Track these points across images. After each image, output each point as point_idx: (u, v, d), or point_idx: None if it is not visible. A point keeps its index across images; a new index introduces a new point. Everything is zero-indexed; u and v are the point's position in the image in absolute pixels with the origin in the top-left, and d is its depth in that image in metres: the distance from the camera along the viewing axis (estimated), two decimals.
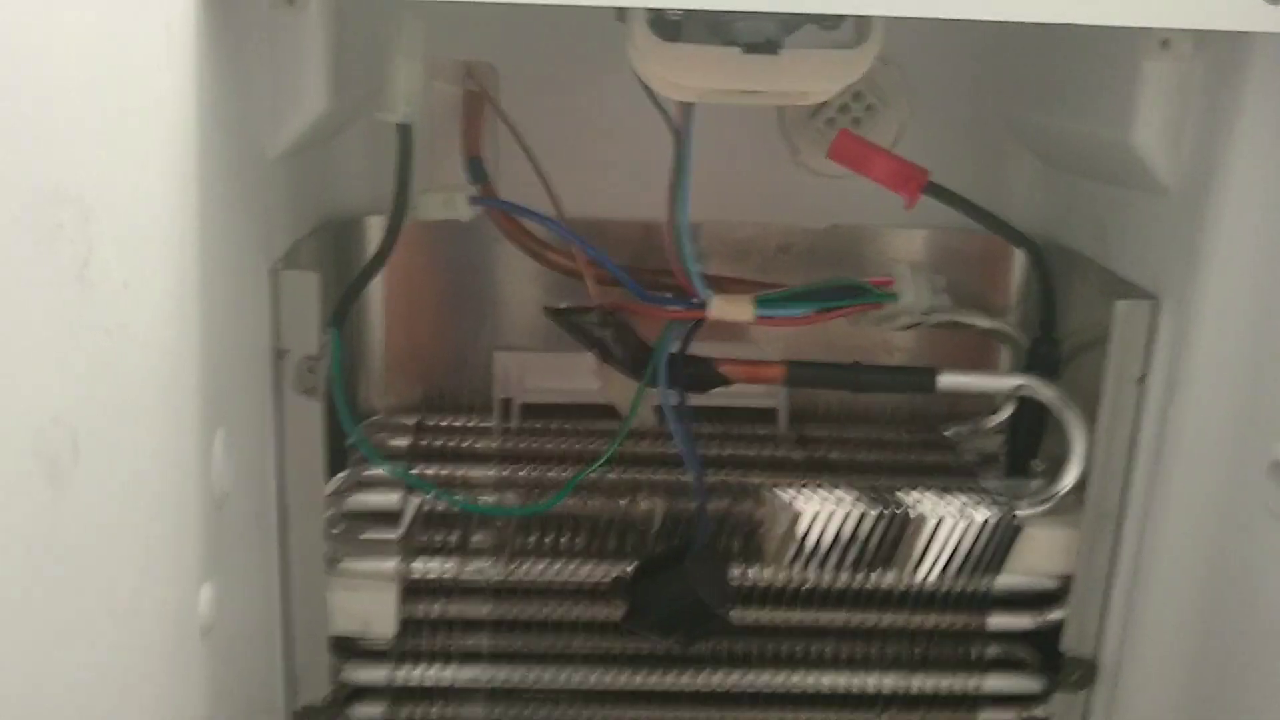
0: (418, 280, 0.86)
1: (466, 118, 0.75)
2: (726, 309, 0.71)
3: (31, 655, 0.38)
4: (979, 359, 0.89)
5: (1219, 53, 0.64)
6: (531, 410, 0.85)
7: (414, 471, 0.76)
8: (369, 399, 0.87)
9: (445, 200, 0.69)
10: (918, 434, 0.85)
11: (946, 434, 0.85)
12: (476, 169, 0.74)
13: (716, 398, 0.79)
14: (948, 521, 0.73)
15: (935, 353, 0.88)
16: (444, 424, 0.83)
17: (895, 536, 0.73)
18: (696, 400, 0.75)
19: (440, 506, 0.72)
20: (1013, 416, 0.81)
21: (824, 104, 0.83)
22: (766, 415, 0.86)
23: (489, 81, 0.76)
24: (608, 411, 0.80)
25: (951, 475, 0.79)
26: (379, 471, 0.75)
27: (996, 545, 0.73)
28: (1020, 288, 0.87)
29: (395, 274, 0.85)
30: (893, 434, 0.85)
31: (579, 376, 0.81)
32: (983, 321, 0.81)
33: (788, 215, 0.86)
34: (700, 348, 0.73)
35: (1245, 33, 0.60)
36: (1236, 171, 0.63)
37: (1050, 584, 0.76)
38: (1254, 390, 0.64)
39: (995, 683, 0.77)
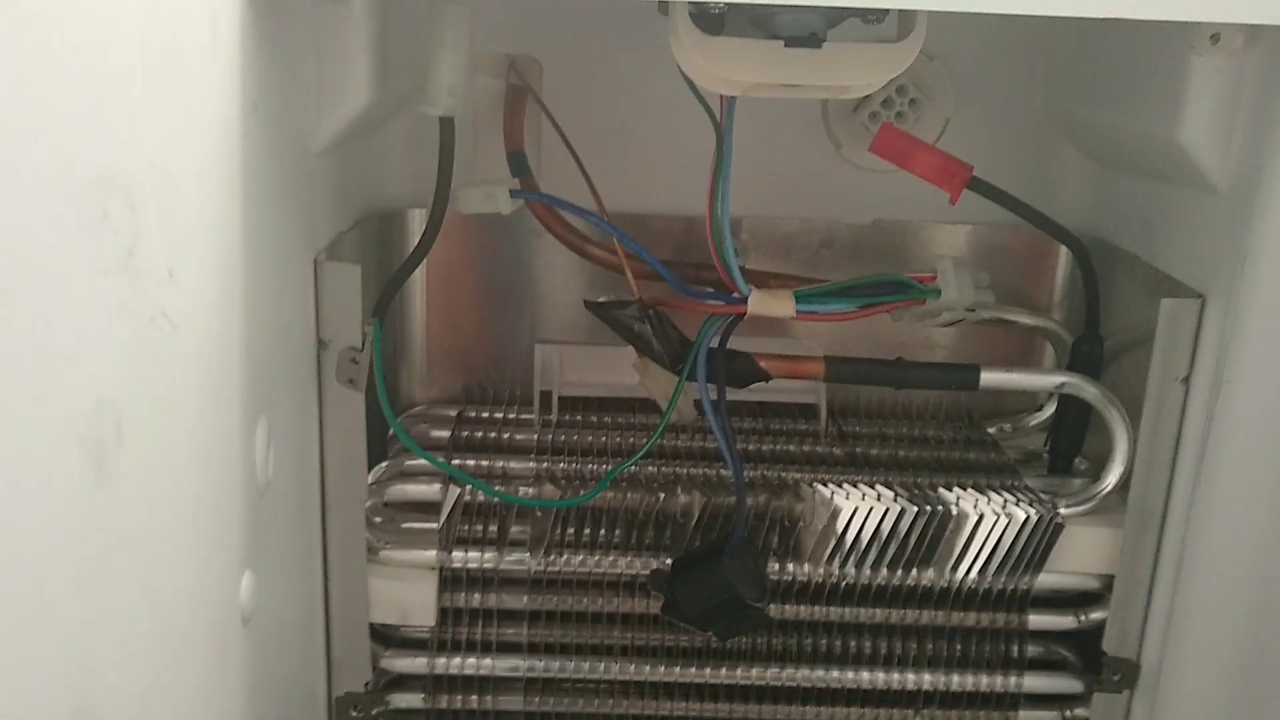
0: (459, 273, 0.86)
1: (509, 111, 0.75)
2: (766, 304, 0.71)
3: (76, 639, 0.38)
4: (1022, 356, 0.88)
5: (1271, 48, 0.63)
6: (571, 403, 0.85)
7: (454, 463, 0.76)
8: (411, 390, 0.88)
9: (485, 194, 0.69)
10: (960, 431, 0.84)
11: (989, 431, 0.85)
12: (519, 163, 0.74)
13: (757, 393, 0.79)
14: (988, 519, 0.72)
15: (978, 349, 0.87)
16: (484, 415, 0.84)
17: (936, 534, 0.72)
18: (737, 395, 0.74)
19: (479, 497, 0.73)
20: (1056, 414, 0.80)
21: (867, 98, 0.82)
22: (807, 411, 0.85)
23: (533, 75, 0.76)
24: (647, 405, 0.81)
25: (993, 473, 0.78)
26: (420, 462, 0.75)
27: (1038, 544, 0.73)
28: (1065, 285, 0.87)
29: (437, 266, 0.85)
30: (934, 431, 0.84)
31: (619, 370, 0.81)
32: (1026, 318, 0.80)
33: (831, 210, 0.86)
34: (745, 343, 0.73)
35: None
36: None
37: (1092, 584, 0.75)
38: None
39: (1035, 682, 0.77)
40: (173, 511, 0.47)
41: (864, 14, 0.62)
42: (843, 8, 0.60)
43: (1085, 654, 0.77)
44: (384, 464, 0.76)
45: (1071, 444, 0.79)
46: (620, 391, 0.83)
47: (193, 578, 0.49)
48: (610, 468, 0.76)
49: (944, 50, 0.83)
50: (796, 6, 0.60)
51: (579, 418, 0.84)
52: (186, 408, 0.48)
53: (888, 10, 0.62)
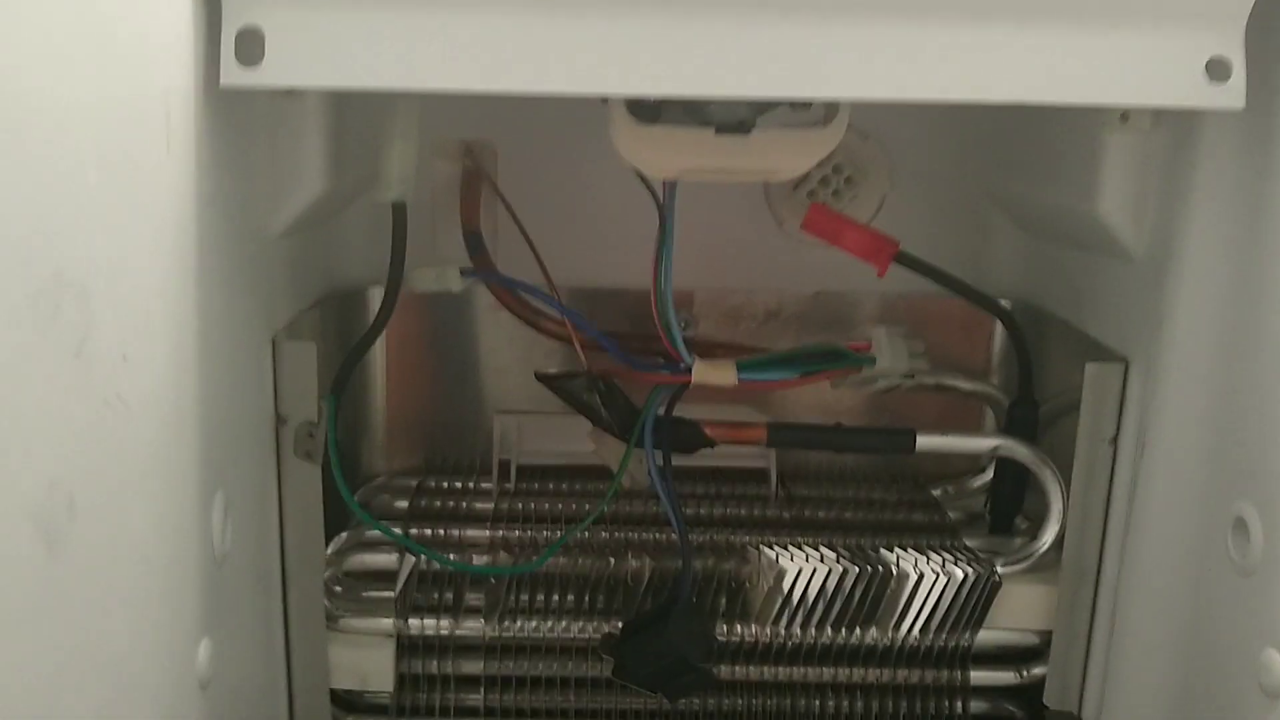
0: (418, 348, 0.89)
1: (465, 194, 0.79)
2: (709, 373, 0.74)
3: (30, 703, 0.41)
4: (967, 421, 0.91)
5: (1175, 126, 0.67)
6: (529, 471, 0.88)
7: (411, 532, 0.78)
8: (373, 462, 0.90)
9: (438, 274, 0.73)
10: (904, 493, 0.87)
11: (933, 493, 0.88)
12: (474, 243, 0.77)
13: (708, 459, 0.82)
14: (928, 578, 0.75)
15: (924, 415, 0.90)
16: (443, 485, 0.86)
17: (877, 593, 0.75)
18: (691, 461, 0.78)
19: (435, 566, 0.75)
20: (994, 476, 0.83)
21: (806, 177, 0.86)
22: (758, 475, 0.88)
23: (487, 159, 0.80)
24: (603, 473, 0.83)
25: (934, 534, 0.81)
26: (378, 532, 0.78)
27: (977, 602, 0.75)
28: (1001, 351, 0.90)
29: (397, 342, 0.88)
30: (879, 493, 0.87)
31: (576, 439, 0.84)
32: (964, 384, 0.84)
33: (775, 282, 0.89)
34: (700, 411, 0.76)
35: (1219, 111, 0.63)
36: (1195, 238, 0.65)
37: (1032, 639, 0.78)
38: (1217, 449, 0.65)
39: None
40: (127, 583, 0.49)
41: (790, 102, 0.65)
42: (768, 98, 0.64)
43: (1028, 709, 0.79)
44: (344, 534, 0.78)
45: (1010, 505, 0.82)
46: (577, 460, 0.86)
47: (149, 645, 0.52)
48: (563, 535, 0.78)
49: (878, 129, 0.87)
50: (725, 97, 0.64)
51: (536, 486, 0.86)
52: (142, 484, 0.50)
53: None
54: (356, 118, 0.71)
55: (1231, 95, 0.58)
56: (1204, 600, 0.66)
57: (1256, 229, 0.62)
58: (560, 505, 0.84)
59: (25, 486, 0.40)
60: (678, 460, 0.75)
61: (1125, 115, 0.68)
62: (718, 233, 0.88)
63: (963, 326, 0.89)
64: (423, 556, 0.75)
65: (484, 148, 0.80)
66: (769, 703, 0.78)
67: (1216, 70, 0.58)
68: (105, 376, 0.46)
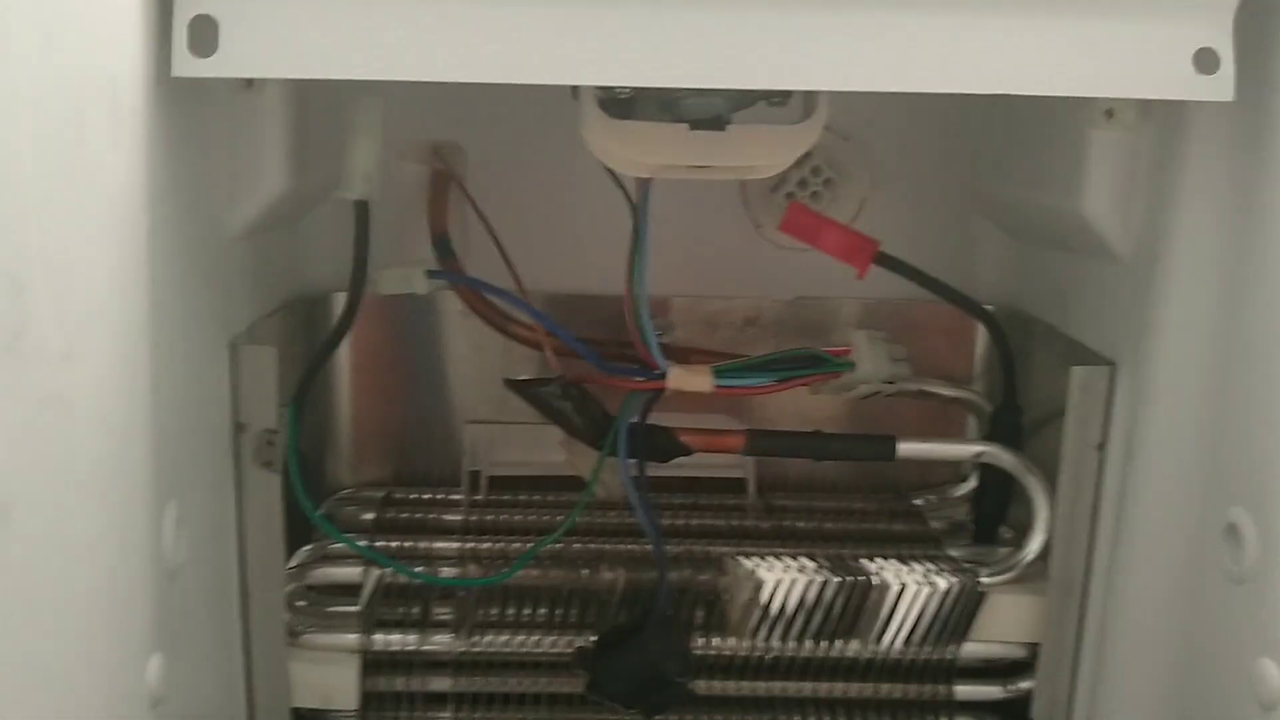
0: (385, 355, 0.87)
1: (433, 196, 0.76)
2: (685, 379, 0.71)
3: None
4: (950, 429, 0.89)
5: (1163, 122, 0.65)
6: (500, 483, 0.85)
7: (377, 544, 0.76)
8: (338, 473, 0.88)
9: (403, 276, 0.70)
10: (885, 503, 0.85)
11: (915, 503, 0.86)
12: (443, 246, 0.75)
13: (686, 469, 0.80)
14: (910, 589, 0.72)
15: (905, 423, 0.88)
16: (411, 497, 0.84)
17: (857, 604, 0.73)
18: (667, 471, 0.75)
19: (402, 579, 0.73)
20: (978, 485, 0.81)
21: (783, 179, 0.84)
22: (736, 485, 0.86)
23: (456, 161, 0.78)
24: (577, 483, 0.81)
25: (917, 544, 0.79)
26: (342, 551, 0.75)
27: (960, 613, 0.73)
28: (984, 357, 0.88)
29: (362, 350, 0.86)
30: (861, 503, 0.85)
31: (547, 449, 0.82)
32: (947, 390, 0.82)
33: (753, 288, 0.87)
34: (677, 420, 0.73)
35: (1185, 102, 0.62)
36: (1184, 238, 0.64)
37: (1018, 652, 0.76)
38: (1209, 453, 0.64)
39: None
40: (69, 591, 0.46)
41: (768, 97, 0.63)
42: (745, 90, 0.62)
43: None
44: (307, 547, 0.76)
45: (994, 513, 0.80)
46: (549, 470, 0.83)
47: (92, 657, 0.49)
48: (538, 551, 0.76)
49: (858, 130, 0.85)
50: (700, 90, 0.62)
51: (508, 497, 0.84)
52: (85, 490, 0.48)
53: (790, 93, 0.64)
54: (318, 113, 0.68)
55: (1220, 87, 0.57)
56: (1196, 610, 0.65)
57: (1247, 227, 0.60)
58: (532, 516, 0.81)
59: None
60: (654, 470, 0.73)
61: (1110, 111, 0.67)
62: (695, 238, 0.86)
63: (945, 332, 0.88)
64: (388, 570, 0.72)
65: (453, 149, 0.78)
66: (747, 718, 0.75)
67: (1205, 61, 0.57)
68: (42, 374, 0.43)
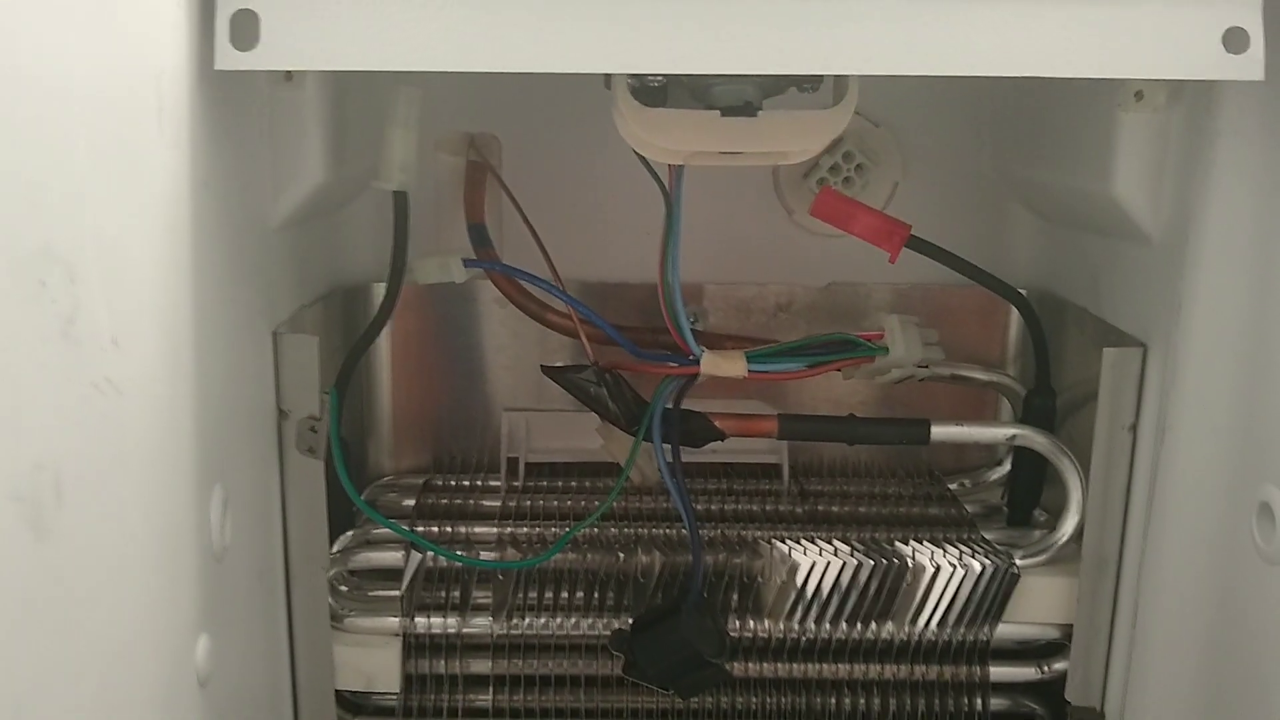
0: (425, 344, 0.88)
1: (469, 187, 0.78)
2: (718, 365, 0.72)
3: (17, 702, 0.39)
4: (983, 413, 0.90)
5: (1192, 103, 0.65)
6: (538, 469, 0.86)
7: (418, 529, 0.77)
8: (380, 461, 0.89)
9: (440, 264, 0.71)
10: (919, 487, 0.86)
11: (949, 487, 0.86)
12: (479, 235, 0.76)
13: (722, 454, 0.81)
14: (945, 571, 0.73)
15: (938, 407, 0.89)
16: (451, 483, 0.85)
17: (893, 587, 0.73)
18: (702, 457, 0.76)
19: (443, 564, 0.74)
20: (1012, 468, 0.82)
21: (815, 165, 0.85)
22: (771, 471, 0.87)
23: (492, 151, 0.79)
24: (613, 469, 0.82)
25: (951, 527, 0.79)
26: (386, 530, 0.76)
27: (995, 595, 0.74)
28: (1018, 341, 0.88)
29: (402, 339, 0.87)
30: (895, 488, 0.85)
31: (585, 435, 0.83)
32: (981, 374, 0.82)
33: (786, 274, 0.88)
34: (712, 407, 0.74)
35: (1214, 82, 0.62)
36: (1214, 219, 0.64)
37: (1053, 634, 0.76)
38: (1241, 433, 0.64)
39: None
40: (120, 570, 0.48)
41: (799, 82, 0.64)
42: (776, 76, 0.63)
43: (1050, 705, 0.77)
44: (350, 532, 0.77)
45: (1028, 496, 0.80)
46: (586, 456, 0.84)
47: (142, 637, 0.50)
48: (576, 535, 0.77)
49: (889, 116, 0.85)
50: (731, 77, 0.62)
51: (545, 483, 0.85)
52: (134, 472, 0.49)
53: (821, 78, 0.64)
54: (357, 105, 0.70)
55: (1250, 66, 0.57)
56: (1229, 589, 0.65)
57: (1277, 207, 0.60)
58: (569, 502, 0.82)
59: (8, 464, 0.39)
60: (689, 455, 0.73)
61: (1140, 93, 0.67)
62: (727, 225, 0.86)
63: (978, 316, 0.88)
64: (429, 554, 0.73)
65: (488, 141, 0.79)
66: (784, 700, 0.76)
67: (1234, 41, 0.57)
68: (93, 359, 0.45)
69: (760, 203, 0.87)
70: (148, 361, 0.50)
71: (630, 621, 0.73)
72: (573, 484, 0.85)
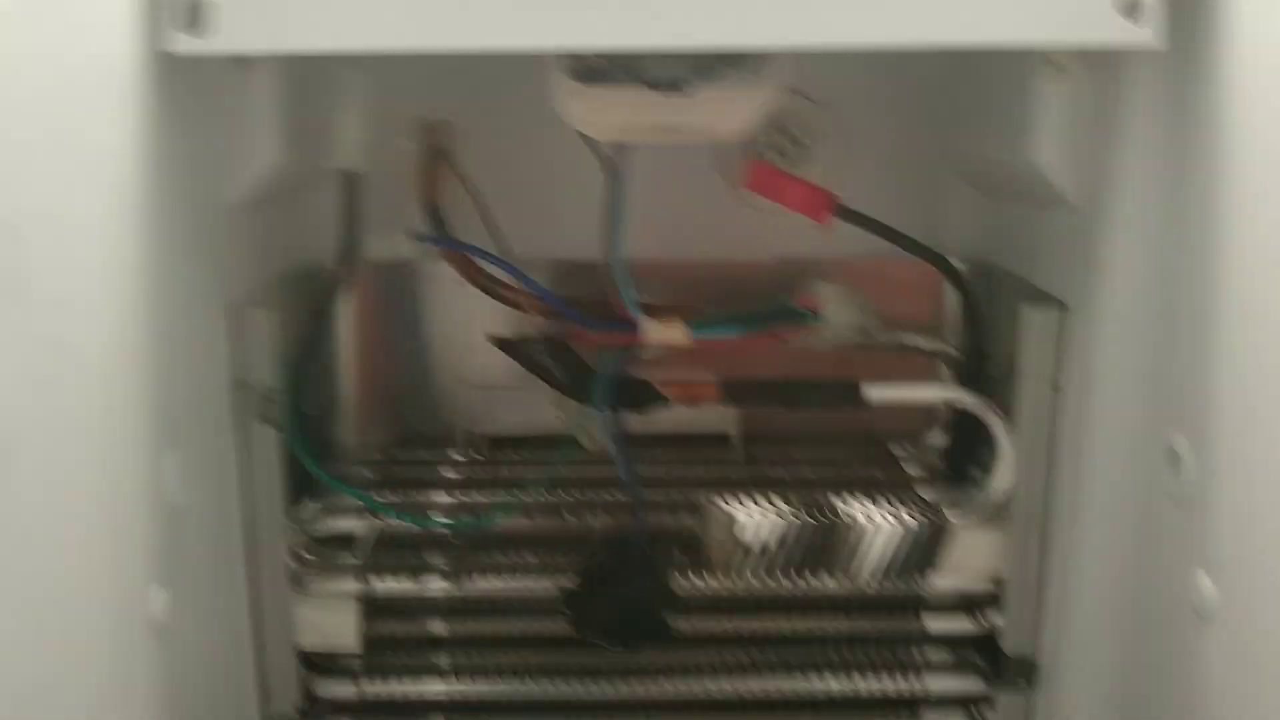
0: (385, 324, 0.91)
1: (425, 170, 0.81)
2: (661, 332, 0.76)
3: None
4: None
5: (1103, 70, 0.68)
6: (497, 443, 0.89)
7: (377, 498, 0.80)
8: (342, 438, 0.92)
9: (392, 241, 0.74)
10: (865, 452, 0.88)
11: (892, 452, 0.89)
12: (434, 216, 0.79)
13: (673, 425, 0.84)
14: (880, 526, 0.76)
15: (884, 378, 0.91)
16: (411, 457, 0.88)
17: (830, 542, 0.76)
18: (656, 429, 0.80)
19: (401, 530, 0.77)
20: (951, 431, 0.84)
21: (755, 143, 0.87)
22: (720, 441, 0.90)
23: (446, 136, 0.82)
24: (570, 441, 0.85)
25: (890, 487, 0.82)
26: (346, 501, 0.79)
27: (928, 548, 0.77)
28: (958, 311, 0.91)
29: (364, 318, 0.90)
30: (840, 453, 0.88)
31: (543, 410, 0.86)
32: (921, 343, 0.85)
33: (733, 251, 0.90)
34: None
35: (1123, 51, 0.65)
36: (1125, 183, 0.67)
37: (988, 586, 0.79)
38: (1152, 385, 0.67)
39: (940, 685, 0.80)
40: (69, 523, 0.51)
41: (731, 61, 0.67)
42: (706, 54, 0.66)
43: (989, 656, 0.80)
44: (311, 502, 0.80)
45: (964, 457, 0.83)
46: (544, 430, 0.87)
47: (97, 588, 0.53)
48: (526, 498, 0.80)
49: (828, 94, 0.88)
50: (663, 55, 0.65)
51: (504, 456, 0.88)
52: (83, 429, 0.52)
53: (745, 56, 0.67)
54: (309, 88, 0.73)
55: (1147, 34, 0.60)
56: (1143, 531, 0.68)
57: (1183, 171, 0.63)
58: (526, 472, 0.85)
59: None
60: (644, 427, 0.77)
61: (1051, 60, 0.70)
62: (675, 203, 0.89)
63: (921, 288, 0.90)
64: (387, 519, 0.76)
65: (443, 126, 0.83)
66: (727, 655, 0.79)
67: (1131, 8, 0.60)
68: (40, 318, 0.48)
69: (707, 181, 0.90)
70: (98, 325, 0.53)
71: (576, 581, 0.77)
72: (531, 456, 0.88)
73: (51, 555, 0.49)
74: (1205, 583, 0.60)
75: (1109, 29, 0.60)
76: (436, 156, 0.82)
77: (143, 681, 0.59)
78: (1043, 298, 0.75)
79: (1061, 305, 0.73)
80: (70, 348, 0.51)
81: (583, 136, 0.73)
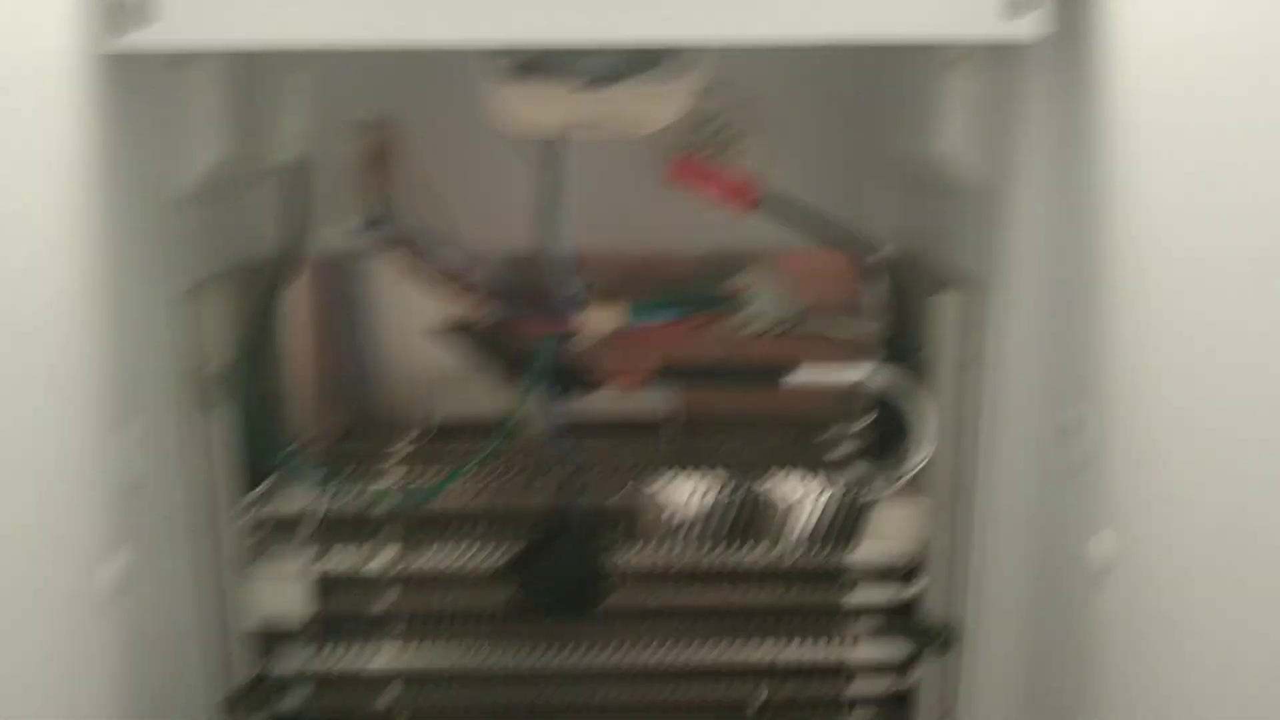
0: (335, 316, 0.94)
1: (371, 168, 0.85)
2: (596, 318, 0.79)
3: None
4: None
5: (1001, 62, 0.72)
6: (446, 430, 0.93)
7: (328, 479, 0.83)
8: (291, 426, 0.95)
9: (338, 232, 0.78)
10: (795, 437, 0.92)
11: (824, 436, 0.93)
12: (380, 212, 0.83)
13: (610, 412, 0.88)
14: (805, 498, 0.80)
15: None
16: (358, 445, 0.91)
17: (757, 515, 0.80)
18: (595, 414, 0.84)
19: (349, 509, 0.80)
20: (876, 414, 0.88)
21: (687, 137, 0.91)
22: (657, 427, 0.94)
23: (389, 133, 0.86)
24: (513, 427, 0.88)
25: (818, 466, 0.86)
26: (297, 483, 0.83)
27: (852, 520, 0.81)
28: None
29: (315, 309, 0.94)
30: (774, 440, 0.92)
31: (490, 398, 0.90)
32: (844, 329, 0.89)
33: (667, 241, 0.94)
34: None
35: (1018, 44, 0.69)
36: (1025, 169, 0.71)
37: (909, 556, 0.83)
38: (1054, 360, 0.71)
39: (865, 652, 0.84)
40: (27, 486, 0.54)
41: (654, 56, 0.71)
42: (628, 53, 0.70)
43: (912, 624, 0.84)
44: (265, 483, 0.84)
45: (890, 438, 0.87)
46: (488, 416, 0.91)
47: (50, 553, 0.57)
48: (470, 478, 0.83)
49: (756, 86, 0.92)
50: (583, 52, 0.69)
51: (451, 443, 0.92)
52: (37, 400, 0.56)
53: (661, 54, 0.71)
54: (252, 83, 0.76)
55: (1026, 27, 0.64)
56: (1049, 497, 0.72)
57: (1077, 154, 0.67)
58: (471, 455, 0.88)
59: None
60: (582, 414, 0.80)
61: (955, 55, 0.74)
62: (608, 194, 0.93)
63: (846, 278, 0.94)
64: (337, 499, 0.80)
65: (388, 124, 0.86)
66: (663, 626, 0.83)
67: (1017, 5, 0.64)
68: None
69: (642, 173, 0.94)
70: (53, 299, 0.57)
71: (516, 553, 0.80)
72: (478, 443, 0.91)
73: (4, 526, 0.52)
74: (1102, 542, 0.64)
75: (989, 25, 0.64)
76: (380, 153, 0.85)
77: (99, 652, 0.62)
78: (954, 282, 0.79)
79: (970, 288, 0.77)
80: (19, 324, 0.54)
81: (509, 133, 0.76)
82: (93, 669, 0.62)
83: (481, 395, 0.91)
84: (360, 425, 0.95)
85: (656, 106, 0.72)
